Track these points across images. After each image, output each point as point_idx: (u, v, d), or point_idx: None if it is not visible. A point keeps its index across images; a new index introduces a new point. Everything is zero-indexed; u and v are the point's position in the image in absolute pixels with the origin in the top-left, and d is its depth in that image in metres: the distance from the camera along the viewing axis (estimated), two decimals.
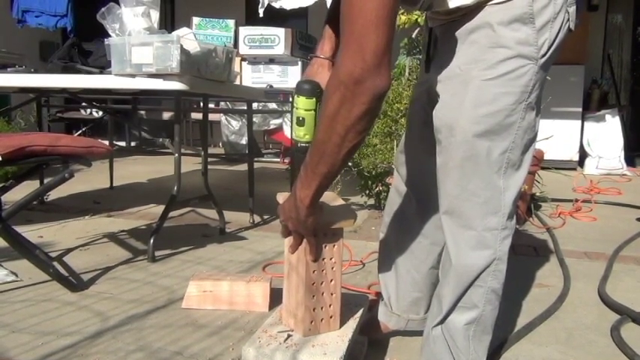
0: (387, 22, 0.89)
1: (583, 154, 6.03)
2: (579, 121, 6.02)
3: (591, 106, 6.37)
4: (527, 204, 3.18)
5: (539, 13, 1.01)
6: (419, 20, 3.87)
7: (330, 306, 1.23)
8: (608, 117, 6.02)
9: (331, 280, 1.23)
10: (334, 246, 1.21)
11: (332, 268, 1.22)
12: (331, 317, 1.24)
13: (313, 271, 1.19)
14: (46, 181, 3.12)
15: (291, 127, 1.11)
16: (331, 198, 1.31)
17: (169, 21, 8.14)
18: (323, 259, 1.20)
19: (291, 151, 3.74)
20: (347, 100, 0.91)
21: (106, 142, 3.76)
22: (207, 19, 3.47)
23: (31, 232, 2.59)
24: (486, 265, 1.12)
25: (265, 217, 3.17)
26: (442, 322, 1.21)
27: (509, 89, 1.03)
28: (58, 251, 2.36)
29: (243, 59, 3.60)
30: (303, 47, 3.59)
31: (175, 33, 2.27)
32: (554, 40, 1.03)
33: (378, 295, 1.90)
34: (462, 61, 1.08)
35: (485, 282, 1.13)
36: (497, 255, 1.12)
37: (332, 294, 1.23)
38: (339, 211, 1.24)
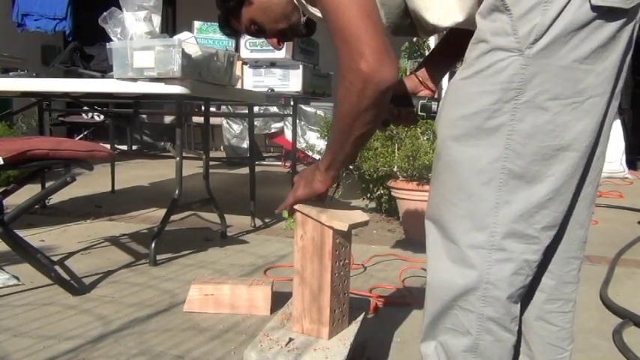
0: (373, 19, 0.91)
1: None
2: None
3: None
4: None
5: None
6: None
7: (343, 305, 1.27)
8: None
9: (345, 281, 1.27)
10: (348, 247, 1.27)
11: (345, 268, 1.26)
12: (343, 317, 1.28)
13: (336, 274, 1.22)
14: (47, 184, 3.13)
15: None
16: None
17: (171, 25, 8.16)
18: (342, 260, 1.24)
19: (292, 154, 3.74)
20: (352, 93, 0.93)
21: (108, 146, 3.77)
22: (208, 22, 3.47)
23: (32, 236, 2.60)
24: (469, 286, 0.95)
25: (267, 220, 3.17)
26: (424, 338, 1.05)
27: (486, 87, 0.89)
28: (60, 255, 2.36)
29: (244, 63, 3.61)
30: (304, 51, 3.60)
31: (177, 37, 2.28)
32: (549, 26, 0.85)
33: (380, 298, 1.90)
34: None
35: (474, 307, 0.97)
36: (485, 278, 0.94)
37: (345, 294, 1.27)
38: (352, 213, 1.29)
